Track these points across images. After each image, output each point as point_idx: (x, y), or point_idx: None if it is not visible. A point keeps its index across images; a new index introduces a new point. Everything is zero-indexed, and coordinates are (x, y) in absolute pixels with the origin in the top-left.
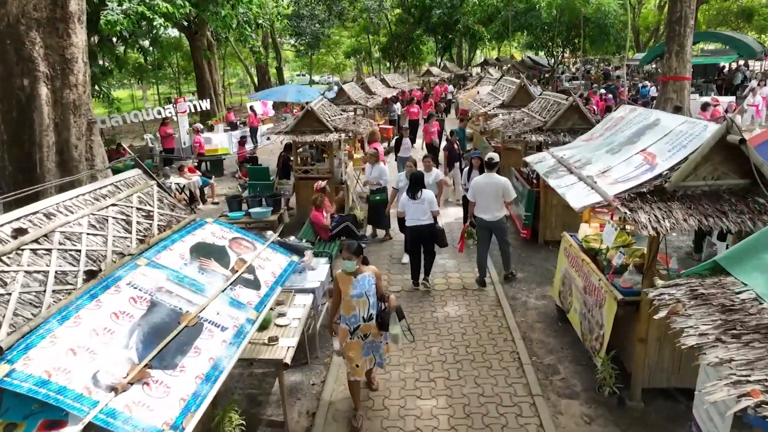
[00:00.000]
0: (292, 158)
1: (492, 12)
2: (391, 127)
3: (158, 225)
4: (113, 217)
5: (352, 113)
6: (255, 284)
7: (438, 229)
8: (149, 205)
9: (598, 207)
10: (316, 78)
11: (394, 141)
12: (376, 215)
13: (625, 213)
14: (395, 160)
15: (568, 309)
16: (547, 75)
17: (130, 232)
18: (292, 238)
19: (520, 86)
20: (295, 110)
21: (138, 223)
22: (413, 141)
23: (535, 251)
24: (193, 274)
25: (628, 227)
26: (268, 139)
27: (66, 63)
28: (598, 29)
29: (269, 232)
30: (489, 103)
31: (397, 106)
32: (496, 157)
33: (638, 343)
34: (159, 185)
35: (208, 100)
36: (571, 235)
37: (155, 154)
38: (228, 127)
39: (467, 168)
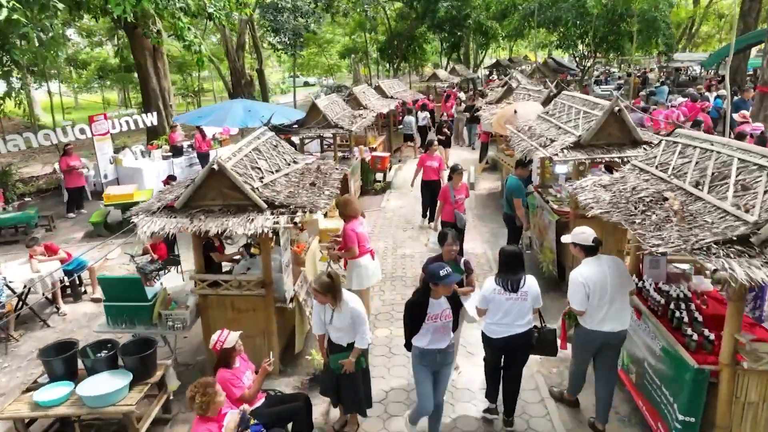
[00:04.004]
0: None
1: (507, 6)
2: (387, 155)
3: None
4: None
5: (319, 152)
6: None
7: (544, 334)
8: None
9: None
10: (311, 80)
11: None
12: (338, 385)
13: None
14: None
15: None
16: (570, 78)
17: None
18: None
19: (612, 112)
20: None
21: None
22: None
23: None
24: None
25: None
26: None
27: None
28: (646, 23)
29: None
30: (551, 139)
31: (410, 119)
32: (596, 235)
33: None
34: None
35: (155, 113)
36: None
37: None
38: (170, 153)
39: None
